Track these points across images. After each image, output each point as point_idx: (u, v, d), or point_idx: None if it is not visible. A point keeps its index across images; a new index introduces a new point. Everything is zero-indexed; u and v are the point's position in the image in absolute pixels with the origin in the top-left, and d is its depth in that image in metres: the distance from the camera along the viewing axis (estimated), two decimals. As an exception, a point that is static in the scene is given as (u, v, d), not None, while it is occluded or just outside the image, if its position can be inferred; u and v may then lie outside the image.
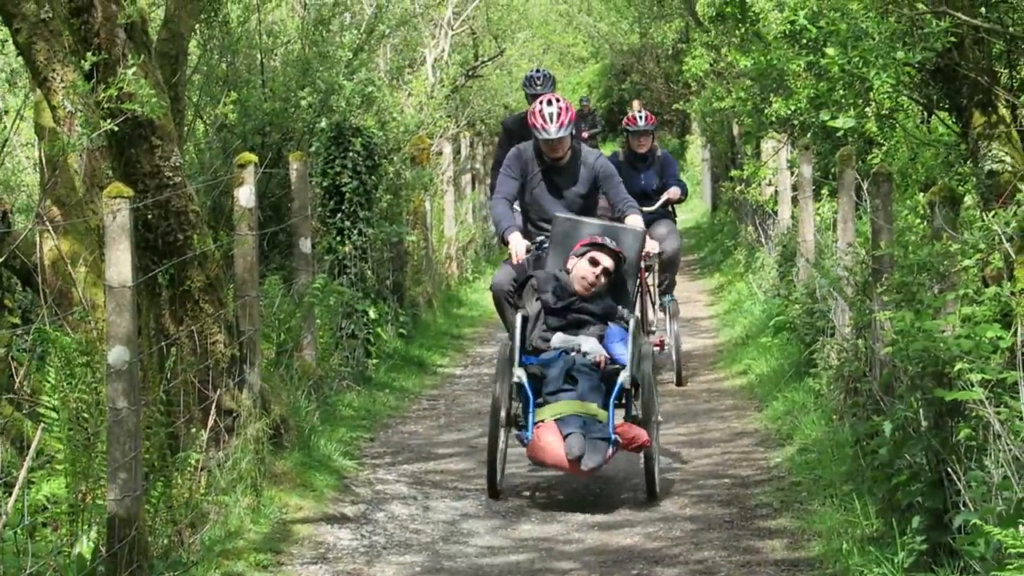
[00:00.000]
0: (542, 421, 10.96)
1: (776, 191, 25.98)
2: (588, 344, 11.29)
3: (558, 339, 11.40)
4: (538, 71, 18.49)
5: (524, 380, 11.22)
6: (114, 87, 13.50)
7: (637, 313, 12.60)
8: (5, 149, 21.82)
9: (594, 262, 11.69)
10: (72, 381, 12.50)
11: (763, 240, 27.61)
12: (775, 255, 25.04)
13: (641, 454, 11.28)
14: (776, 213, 26.01)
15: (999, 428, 9.32)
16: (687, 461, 15.90)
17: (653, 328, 17.78)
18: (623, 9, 41.85)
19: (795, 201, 22.35)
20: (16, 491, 10.53)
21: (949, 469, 10.14)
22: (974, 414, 9.71)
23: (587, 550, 11.81)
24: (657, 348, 17.63)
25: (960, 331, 10.32)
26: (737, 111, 24.16)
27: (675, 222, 18.58)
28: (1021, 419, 8.43)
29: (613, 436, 10.86)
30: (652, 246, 13.00)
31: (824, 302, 17.97)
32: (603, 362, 11.26)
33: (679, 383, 17.53)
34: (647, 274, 17.40)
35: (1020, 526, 7.68)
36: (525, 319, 11.77)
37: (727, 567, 12.56)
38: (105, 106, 13.56)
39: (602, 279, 11.70)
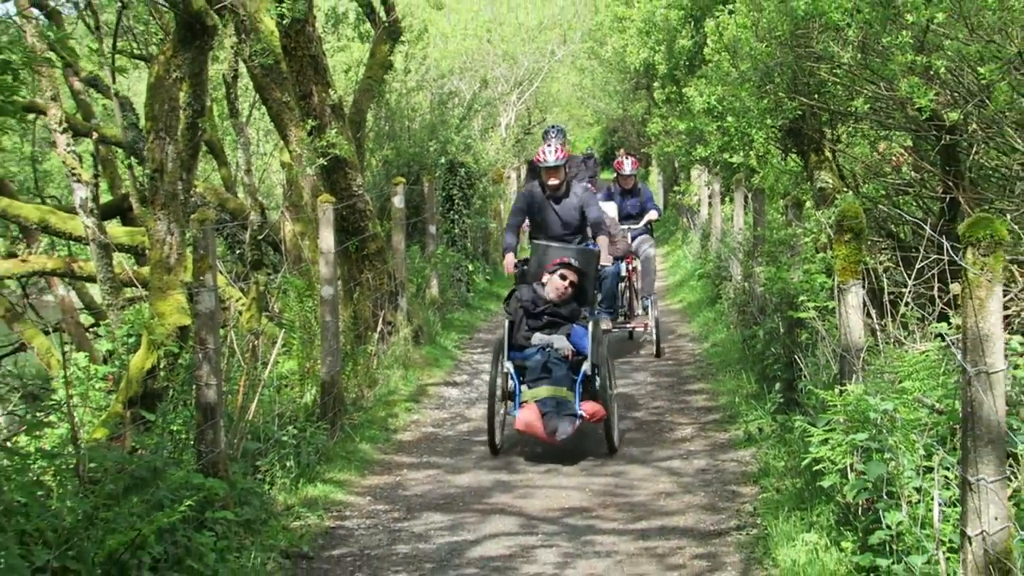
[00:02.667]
0: (526, 402, 10.31)
1: (698, 198, 25.90)
2: (559, 341, 10.71)
3: (536, 338, 10.79)
4: (553, 126, 16.96)
5: (511, 370, 10.65)
6: (323, 140, 13.51)
7: (597, 314, 11.86)
8: (265, 173, 22.06)
9: (563, 277, 11.00)
10: (301, 305, 12.54)
11: (691, 226, 27.51)
12: (698, 235, 24.99)
13: (600, 423, 10.53)
14: (699, 211, 25.93)
15: (824, 333, 9.30)
16: (648, 350, 15.93)
17: (638, 313, 16.21)
18: (612, 94, 41.54)
19: (710, 204, 22.29)
20: (269, 367, 10.52)
21: (796, 356, 10.12)
22: (810, 326, 9.68)
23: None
24: (641, 329, 16.28)
25: (802, 278, 10.30)
26: (676, 153, 24.00)
27: (652, 236, 17.06)
28: (835, 329, 8.38)
29: (579, 412, 10.24)
30: (606, 260, 11.95)
31: (725, 261, 18.13)
32: (570, 355, 10.61)
33: (657, 355, 15.65)
34: (634, 275, 16.15)
35: (835, 388, 7.66)
36: (511, 323, 11.07)
37: (670, 409, 12.68)
38: (319, 150, 13.57)
39: (569, 289, 10.98)
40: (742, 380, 12.84)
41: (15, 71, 6.96)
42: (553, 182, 12.12)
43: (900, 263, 9.81)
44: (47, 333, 17.23)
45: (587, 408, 10.32)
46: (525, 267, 11.85)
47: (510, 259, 11.46)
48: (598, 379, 10.57)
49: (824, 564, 7.08)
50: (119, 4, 13.54)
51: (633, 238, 16.12)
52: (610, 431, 10.60)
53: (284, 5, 13.13)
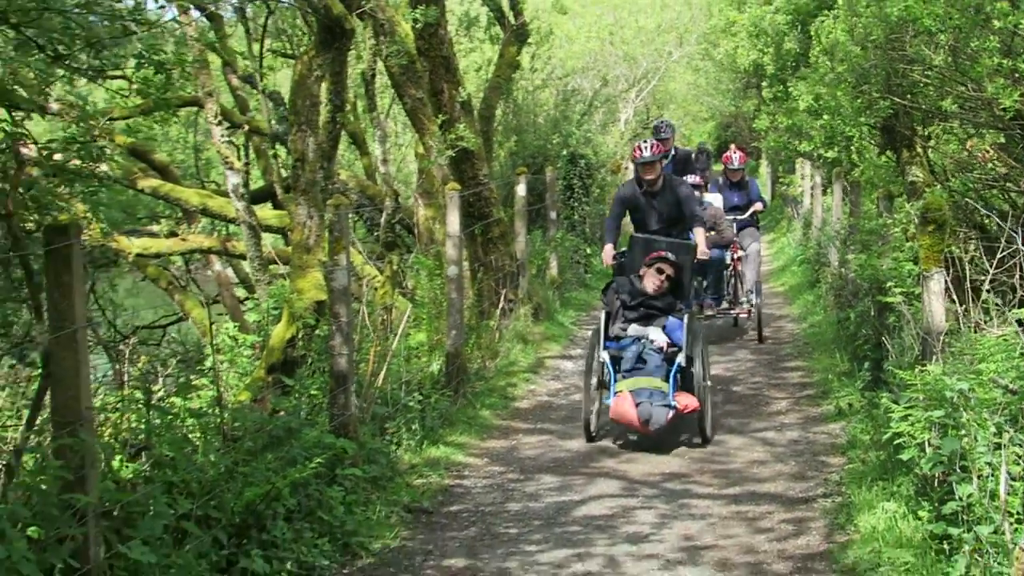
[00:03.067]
0: (620, 392, 9.63)
1: (802, 190, 25.63)
2: (654, 333, 10.05)
3: (633, 329, 10.13)
4: (662, 121, 16.80)
5: (607, 360, 9.97)
6: (453, 133, 13.61)
7: (694, 307, 11.45)
8: (403, 162, 22.25)
9: (660, 271, 10.42)
10: (431, 283, 12.67)
11: (795, 215, 27.20)
12: (801, 224, 24.74)
13: (695, 415, 9.86)
14: (802, 201, 25.69)
15: (909, 316, 9.19)
16: (751, 332, 15.86)
17: (742, 301, 15.31)
18: (724, 92, 41.19)
19: (812, 195, 22.07)
20: (397, 338, 10.63)
21: (884, 338, 10.03)
22: (896, 310, 9.59)
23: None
24: (744, 316, 15.57)
25: (891, 265, 10.21)
26: (782, 147, 23.67)
27: (758, 229, 16.54)
28: (919, 313, 8.28)
29: (673, 403, 9.57)
30: (703, 253, 11.19)
31: (824, 249, 17.93)
32: (665, 347, 9.96)
33: (760, 340, 15.05)
34: (739, 264, 15.39)
35: (916, 369, 7.57)
36: (608, 314, 10.49)
37: (767, 384, 12.62)
38: (449, 143, 13.67)
39: (666, 283, 10.38)
40: (835, 359, 12.71)
41: (168, 71, 7.11)
42: (649, 177, 11.51)
43: (984, 253, 9.67)
44: (205, 305, 17.55)
45: (681, 400, 9.77)
46: (623, 259, 11.31)
47: (608, 251, 10.95)
48: (693, 371, 10.08)
49: (901, 531, 7.05)
50: (267, 8, 13.75)
51: (739, 229, 15.53)
52: (703, 423, 10.04)
53: (418, 11, 13.26)
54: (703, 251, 11.16)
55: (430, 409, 10.60)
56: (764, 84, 26.24)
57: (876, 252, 11.30)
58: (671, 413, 9.60)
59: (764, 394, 12.23)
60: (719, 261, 14.44)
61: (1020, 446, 6.13)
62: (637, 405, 9.52)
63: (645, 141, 11.62)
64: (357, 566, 7.39)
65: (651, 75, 38.69)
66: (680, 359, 10.06)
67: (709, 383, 10.37)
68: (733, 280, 15.43)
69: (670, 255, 10.70)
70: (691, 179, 14.05)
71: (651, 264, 10.71)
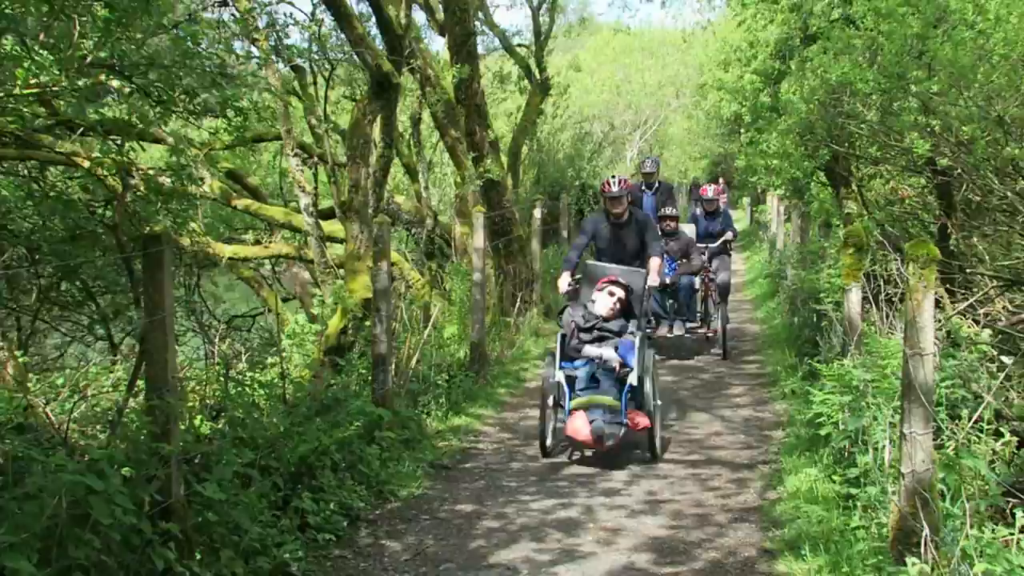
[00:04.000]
0: (575, 410, 8.57)
1: (770, 217, 25.52)
2: (607, 354, 8.89)
3: (587, 350, 9.02)
4: (649, 157, 15.66)
5: (562, 380, 8.89)
6: (482, 167, 13.75)
7: (643, 330, 9.67)
8: (447, 187, 22.33)
9: (611, 294, 9.31)
10: (462, 285, 12.79)
11: (764, 238, 27.14)
12: (768, 245, 24.66)
13: (645, 432, 8.67)
14: (769, 227, 25.61)
15: (835, 321, 9.31)
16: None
17: (712, 320, 13.90)
18: (713, 136, 41.03)
19: (777, 222, 21.96)
20: (428, 330, 10.76)
21: (817, 338, 10.14)
22: (827, 315, 9.70)
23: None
24: (712, 335, 13.88)
25: (824, 279, 10.31)
26: (756, 183, 23.51)
27: (730, 256, 14.84)
28: (846, 318, 8.40)
29: (624, 421, 8.49)
30: (654, 280, 9.89)
31: (782, 265, 17.83)
32: (618, 367, 8.81)
33: (724, 357, 13.55)
34: (710, 286, 13.90)
35: (840, 362, 7.72)
36: (563, 336, 9.33)
37: (728, 374, 12.66)
38: (479, 174, 13.81)
39: (617, 306, 9.27)
40: (785, 354, 12.72)
41: (245, 114, 7.33)
42: (617, 210, 10.38)
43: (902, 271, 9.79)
44: (285, 300, 17.73)
45: (633, 418, 8.62)
46: (578, 286, 10.11)
47: (565, 277, 9.68)
48: (644, 391, 8.88)
49: (818, 491, 7.18)
50: (329, 66, 13.97)
51: (711, 256, 14.17)
52: (653, 440, 8.83)
53: (456, 68, 13.45)
54: (654, 280, 9.90)
55: (455, 387, 10.74)
56: (742, 131, 26.27)
57: (815, 269, 11.45)
58: (623, 431, 8.57)
59: (726, 381, 12.23)
60: (688, 287, 13.50)
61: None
62: (591, 423, 8.44)
63: (613, 177, 10.58)
64: (387, 508, 7.56)
65: (652, 121, 38.79)
66: (632, 379, 8.89)
67: (660, 402, 9.36)
68: (705, 302, 14.09)
69: (620, 279, 9.68)
70: (669, 210, 13.60)
71: (602, 288, 9.63)
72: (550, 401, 9.04)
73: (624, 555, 6.54)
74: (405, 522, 7.27)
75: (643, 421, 8.57)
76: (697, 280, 13.61)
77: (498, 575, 6.26)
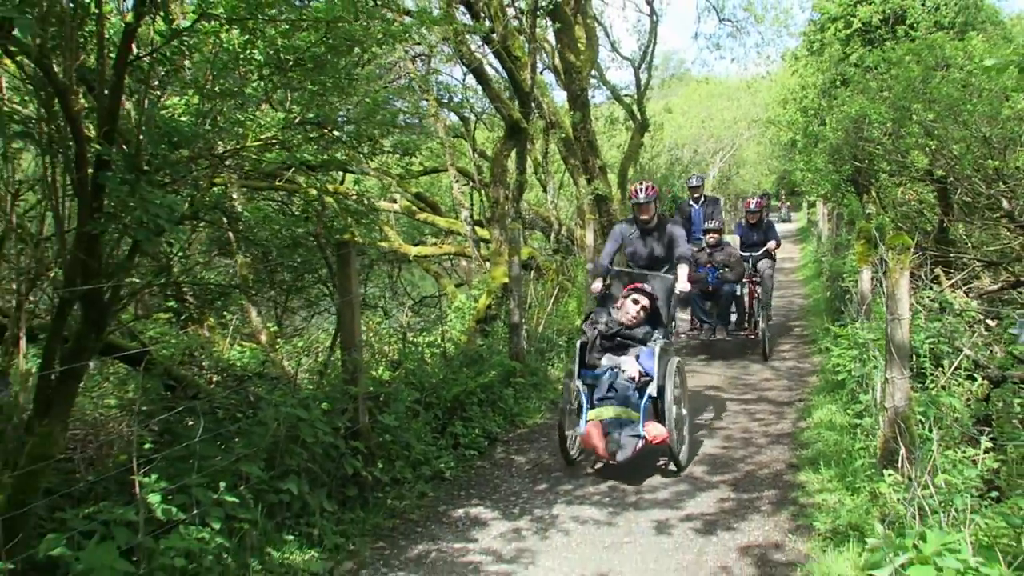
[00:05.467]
0: (591, 420, 6.54)
1: (818, 218, 24.72)
2: (627, 363, 6.80)
3: (607, 359, 6.93)
4: (695, 175, 12.97)
5: (582, 388, 6.82)
6: (594, 186, 13.64)
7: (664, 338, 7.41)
8: (569, 201, 22.18)
9: (636, 301, 7.17)
10: (579, 272, 12.59)
11: (813, 233, 26.31)
12: (816, 238, 23.90)
13: (665, 444, 6.45)
14: (817, 224, 24.81)
15: (853, 295, 9.04)
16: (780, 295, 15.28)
17: (757, 321, 11.29)
18: (778, 157, 39.77)
19: (822, 221, 21.24)
20: (550, 305, 10.76)
21: (842, 307, 9.86)
22: (848, 291, 9.42)
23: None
24: (753, 336, 11.10)
25: (847, 264, 9.99)
26: (807, 192, 22.75)
27: (774, 261, 12.03)
28: (859, 293, 8.16)
29: (642, 433, 6.36)
30: (683, 287, 7.70)
31: (824, 253, 17.26)
32: (638, 376, 6.74)
33: (765, 359, 10.81)
34: (756, 290, 11.37)
35: (853, 326, 7.51)
36: (583, 344, 7.20)
37: (778, 335, 12.29)
38: (591, 190, 13.73)
39: (641, 313, 7.11)
40: (822, 320, 12.39)
41: (412, 153, 7.50)
42: (644, 217, 8.22)
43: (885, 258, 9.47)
44: (458, 286, 18.00)
45: (650, 430, 6.47)
46: (609, 291, 7.90)
47: (597, 284, 7.63)
48: (664, 400, 6.77)
49: (835, 420, 7.05)
50: (474, 116, 14.11)
51: (755, 262, 11.76)
52: (674, 452, 6.55)
53: (572, 114, 13.45)
54: (681, 287, 7.71)
55: (572, 346, 10.78)
56: (797, 154, 25.52)
57: (841, 256, 11.11)
58: (639, 444, 6.44)
59: (777, 340, 12.00)
60: (730, 294, 11.06)
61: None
62: (606, 435, 6.51)
63: (641, 183, 8.31)
64: (517, 433, 7.69)
65: (729, 147, 37.93)
66: (651, 389, 6.79)
67: (685, 411, 7.17)
68: (750, 307, 11.50)
69: (646, 286, 7.47)
70: (714, 223, 11.29)
71: (627, 295, 7.42)
72: (570, 408, 6.96)
73: (686, 468, 6.55)
74: (529, 443, 7.39)
75: (660, 434, 6.41)
76: (739, 288, 11.34)
77: (591, 479, 6.34)
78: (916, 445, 4.58)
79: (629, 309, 7.08)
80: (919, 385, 5.82)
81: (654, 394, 6.61)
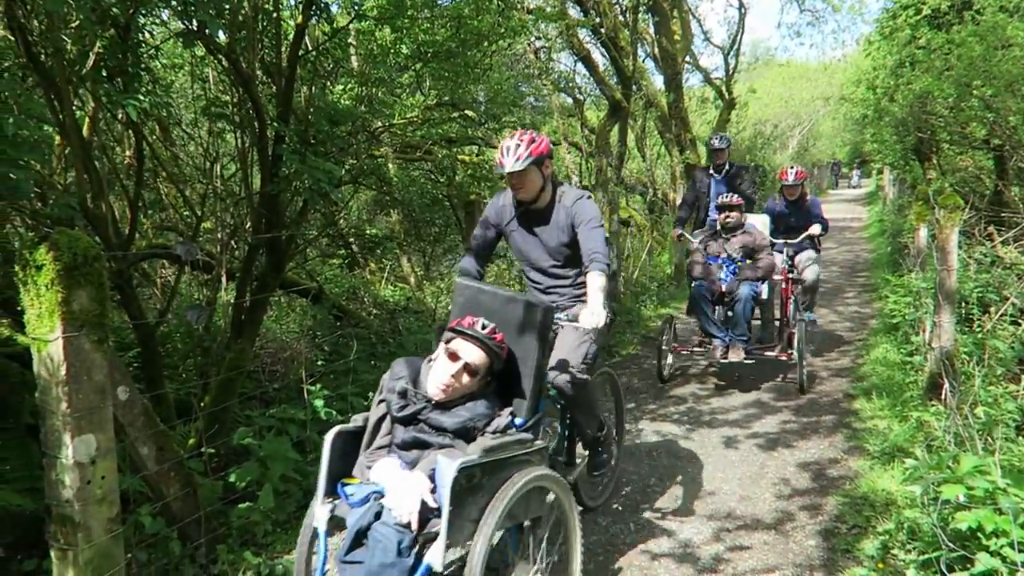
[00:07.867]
0: None
1: (885, 182, 23.22)
2: (403, 489, 2.01)
3: (377, 469, 2.18)
4: (718, 135, 7.32)
5: (320, 525, 2.16)
6: (684, 155, 13.09)
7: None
8: (664, 168, 21.56)
9: (454, 356, 2.34)
10: (670, 227, 12.25)
11: (880, 195, 24.74)
12: (883, 200, 22.49)
13: None
14: (884, 187, 23.32)
15: (911, 249, 8.46)
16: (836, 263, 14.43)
17: (793, 329, 6.50)
18: (851, 130, 37.27)
19: (888, 185, 19.90)
20: (645, 255, 10.51)
21: (901, 260, 9.23)
22: (907, 245, 8.84)
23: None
24: (784, 358, 6.20)
25: (908, 220, 9.34)
26: (878, 159, 21.27)
27: (818, 252, 7.33)
28: (916, 247, 7.65)
29: None
30: (587, 322, 2.77)
31: (888, 213, 16.17)
32: (414, 524, 1.97)
33: (802, 391, 6.10)
34: (793, 288, 6.72)
35: (909, 276, 7.05)
36: (339, 433, 2.26)
37: (844, 286, 11.64)
38: (682, 160, 13.21)
39: (463, 379, 2.32)
40: (884, 271, 11.66)
41: (528, 128, 7.39)
42: (522, 195, 3.28)
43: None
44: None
45: None
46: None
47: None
48: None
49: (890, 357, 6.67)
50: (582, 96, 13.79)
51: (794, 253, 7.24)
52: None
53: (667, 94, 13.00)
54: (589, 319, 2.83)
55: (663, 290, 10.60)
56: (867, 126, 23.94)
57: (902, 216, 10.41)
58: None
59: (842, 286, 11.37)
60: (749, 296, 6.05)
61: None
62: None
63: (511, 138, 3.22)
64: (612, 361, 7.61)
65: (807, 122, 35.94)
66: (433, 559, 2.03)
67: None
68: (783, 313, 6.82)
69: (485, 328, 2.52)
70: (731, 198, 6.24)
71: (450, 340, 2.52)
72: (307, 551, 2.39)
73: (755, 395, 6.35)
74: (622, 369, 7.32)
75: None
76: (765, 288, 6.42)
77: (673, 401, 6.24)
78: (958, 380, 4.29)
79: (442, 371, 2.53)
80: (967, 328, 5.43)
81: (437, 568, 2.12)
